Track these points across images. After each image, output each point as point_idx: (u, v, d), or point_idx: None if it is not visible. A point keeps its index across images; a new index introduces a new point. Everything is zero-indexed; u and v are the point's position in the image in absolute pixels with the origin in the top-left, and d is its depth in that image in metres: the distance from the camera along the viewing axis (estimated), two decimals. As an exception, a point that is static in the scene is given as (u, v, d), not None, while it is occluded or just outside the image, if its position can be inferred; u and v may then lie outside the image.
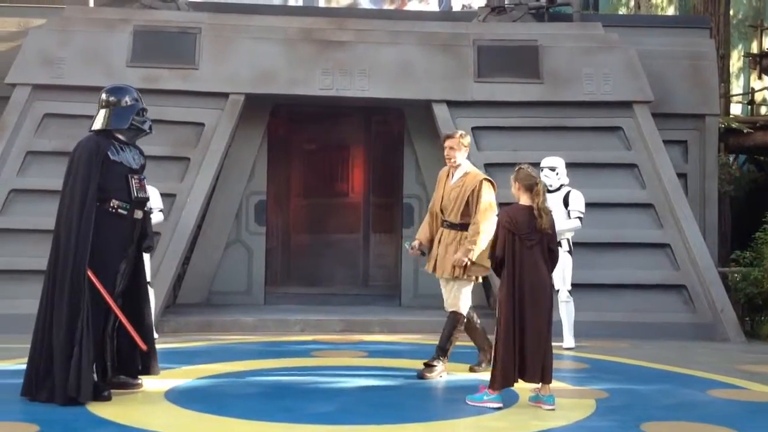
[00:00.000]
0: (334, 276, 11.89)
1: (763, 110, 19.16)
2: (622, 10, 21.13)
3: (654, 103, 10.83)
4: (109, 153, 5.71)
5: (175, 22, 10.69)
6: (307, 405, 5.46)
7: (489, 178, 6.71)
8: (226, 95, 10.44)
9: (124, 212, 5.70)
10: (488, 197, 6.52)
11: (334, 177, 12.11)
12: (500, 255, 5.42)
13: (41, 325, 5.52)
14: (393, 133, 12.04)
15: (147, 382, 6.15)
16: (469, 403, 5.36)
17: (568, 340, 8.34)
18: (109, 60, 10.34)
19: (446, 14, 15.02)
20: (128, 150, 5.89)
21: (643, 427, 4.89)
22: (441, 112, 10.61)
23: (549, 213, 5.43)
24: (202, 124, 10.39)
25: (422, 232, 6.84)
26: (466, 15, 13.26)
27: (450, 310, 6.70)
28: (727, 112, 15.26)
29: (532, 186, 5.41)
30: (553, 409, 5.29)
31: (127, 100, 5.91)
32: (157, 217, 8.87)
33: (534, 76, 10.77)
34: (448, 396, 5.49)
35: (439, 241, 6.67)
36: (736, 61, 19.91)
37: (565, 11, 13.24)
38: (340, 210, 12.20)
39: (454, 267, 6.48)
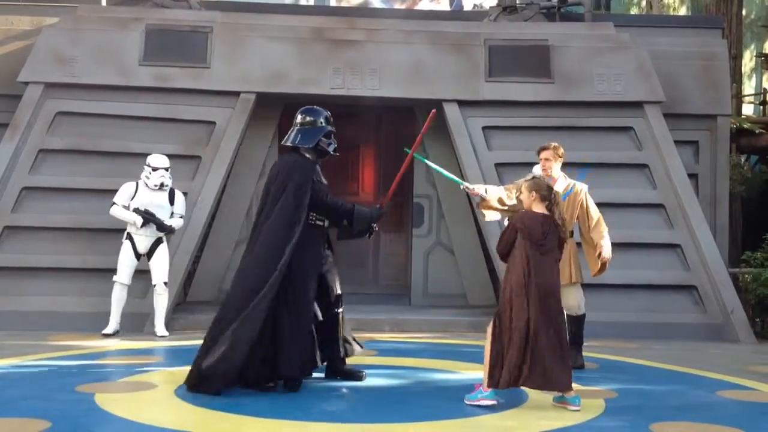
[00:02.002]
0: (344, 275, 11.87)
1: (775, 111, 19.07)
2: (634, 10, 21.08)
3: (665, 104, 10.80)
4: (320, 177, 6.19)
5: (187, 21, 10.72)
6: (317, 403, 5.47)
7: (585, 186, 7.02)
8: (237, 94, 10.48)
9: (321, 223, 6.14)
10: (593, 203, 6.93)
11: (345, 176, 12.13)
12: (504, 252, 5.46)
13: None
14: (404, 132, 12.04)
15: (157, 379, 6.19)
16: (467, 403, 5.38)
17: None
18: (122, 58, 10.39)
19: (457, 14, 15.03)
20: (317, 166, 6.26)
21: (653, 428, 4.88)
22: (452, 111, 10.61)
23: (565, 222, 5.47)
24: (214, 123, 10.43)
25: (496, 191, 6.77)
26: (478, 15, 13.25)
27: (577, 314, 6.93)
28: (738, 112, 15.21)
29: (548, 197, 5.41)
30: (578, 410, 5.28)
31: (318, 121, 6.21)
32: (177, 223, 9.02)
33: (545, 75, 10.76)
34: (457, 395, 5.49)
35: None
36: (748, 61, 19.84)
37: (576, 11, 13.22)
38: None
39: (571, 272, 6.79)
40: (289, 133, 6.28)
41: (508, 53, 10.79)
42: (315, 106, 6.42)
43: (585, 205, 6.86)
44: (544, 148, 6.92)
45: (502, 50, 10.81)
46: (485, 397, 5.32)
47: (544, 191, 5.41)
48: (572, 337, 6.91)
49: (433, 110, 6.58)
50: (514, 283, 5.29)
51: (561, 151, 6.88)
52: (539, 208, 5.41)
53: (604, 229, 6.83)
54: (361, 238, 6.36)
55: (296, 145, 6.18)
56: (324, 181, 6.24)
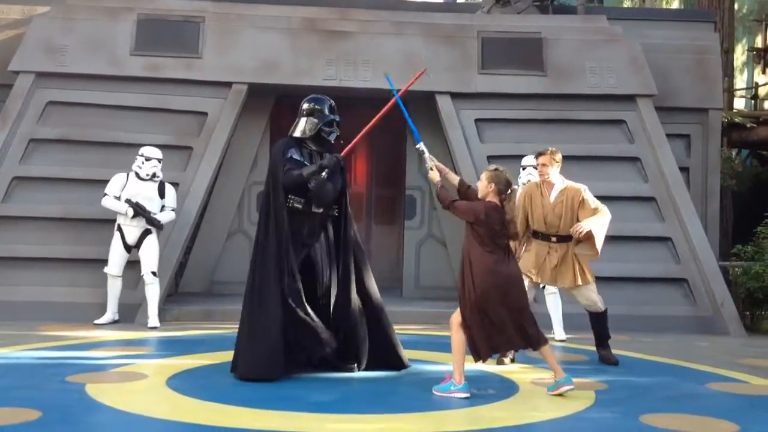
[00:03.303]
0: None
1: (766, 105, 19.15)
2: (627, 3, 21.10)
3: (657, 97, 10.83)
4: (293, 154, 6.17)
5: (179, 11, 10.68)
6: (307, 394, 5.47)
7: (585, 187, 6.93)
8: (229, 84, 10.45)
9: (299, 206, 6.07)
10: (593, 198, 6.82)
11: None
12: (448, 206, 5.55)
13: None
14: (396, 124, 12.02)
15: (148, 370, 6.19)
16: (436, 393, 5.41)
17: (559, 332, 8.38)
18: (113, 48, 10.35)
19: (451, 6, 15.00)
20: (315, 156, 6.26)
21: (643, 419, 4.90)
22: (445, 103, 10.61)
23: (514, 219, 5.53)
24: (205, 114, 10.40)
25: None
26: (471, 7, 13.25)
27: (596, 311, 6.94)
28: (730, 106, 15.26)
29: (504, 191, 5.44)
30: (572, 388, 5.42)
31: (320, 109, 6.26)
32: (168, 216, 9.01)
33: (538, 68, 10.76)
34: (433, 386, 5.51)
35: (548, 255, 6.83)
36: (740, 55, 19.87)
37: (569, 3, 13.22)
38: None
39: (575, 275, 6.78)
40: (296, 121, 6.32)
41: (501, 45, 10.79)
42: (320, 95, 6.46)
43: (583, 200, 6.76)
44: (540, 154, 6.90)
45: (495, 42, 10.81)
46: (459, 389, 5.37)
47: (502, 185, 5.44)
48: (597, 338, 7.02)
49: (424, 68, 6.61)
50: (479, 273, 5.33)
51: (558, 156, 6.86)
52: (493, 199, 5.44)
53: (599, 216, 6.66)
54: (325, 198, 6.13)
55: (297, 136, 6.21)
56: (307, 163, 6.17)
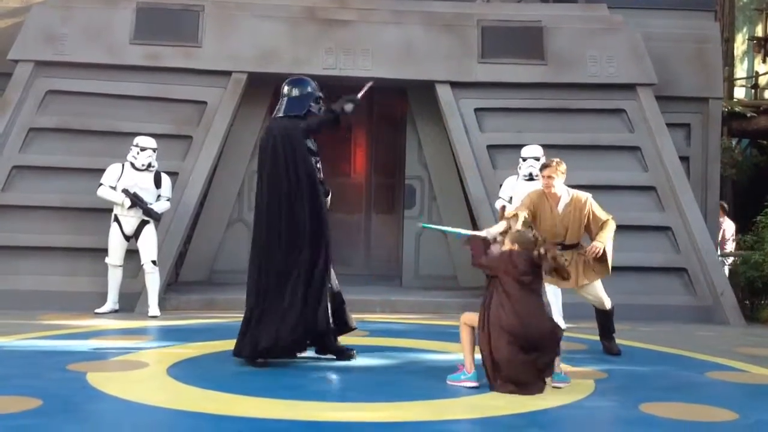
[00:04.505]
0: (336, 256, 11.88)
1: (766, 94, 19.11)
2: (627, -8, 20.97)
3: (657, 86, 10.80)
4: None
5: (178, 0, 10.64)
6: (308, 382, 5.49)
7: (589, 194, 6.95)
8: (228, 74, 10.42)
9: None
10: (599, 208, 6.84)
11: (336, 157, 12.10)
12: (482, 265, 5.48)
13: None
14: (396, 113, 12.03)
15: (149, 359, 6.20)
16: (450, 383, 5.41)
17: (559, 322, 8.36)
18: (112, 37, 10.32)
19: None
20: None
21: (642, 408, 4.91)
22: (444, 92, 10.59)
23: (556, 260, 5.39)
24: (205, 103, 10.38)
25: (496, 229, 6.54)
26: (471, -5, 13.17)
27: (602, 309, 6.97)
28: (730, 95, 15.25)
29: (532, 250, 5.33)
30: (568, 384, 5.38)
31: (304, 89, 6.34)
32: (164, 206, 9.01)
33: (538, 57, 10.73)
34: (447, 375, 5.51)
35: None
36: (740, 44, 19.82)
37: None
38: (342, 190, 12.16)
39: (577, 276, 6.74)
40: (278, 105, 6.36)
41: (501, 34, 10.76)
42: (301, 76, 6.55)
43: (592, 212, 6.78)
44: (545, 166, 6.87)
45: (495, 31, 10.77)
46: (468, 378, 5.37)
47: (528, 244, 5.36)
48: (601, 330, 7.05)
49: (371, 82, 6.72)
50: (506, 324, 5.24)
51: (563, 167, 6.83)
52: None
53: (609, 230, 6.70)
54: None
55: (287, 115, 6.24)
56: (314, 147, 6.27)
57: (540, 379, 5.30)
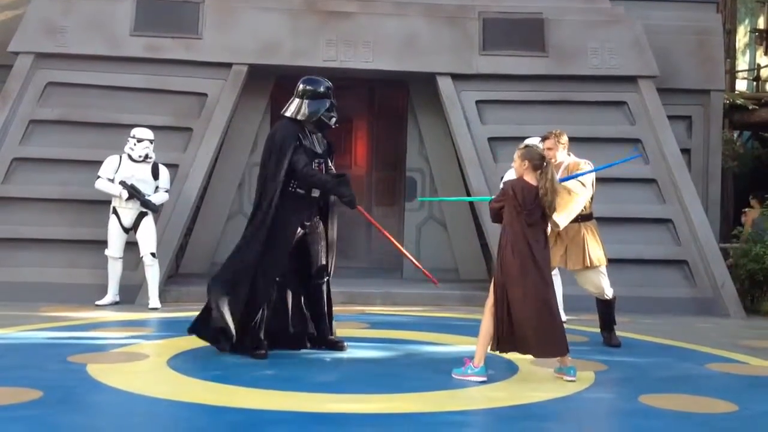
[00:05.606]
0: (337, 248, 11.87)
1: (768, 87, 19.05)
2: (629, -16, 20.91)
3: (659, 78, 10.78)
4: (302, 140, 6.14)
5: (179, -9, 10.61)
6: (309, 374, 5.50)
7: (587, 161, 6.81)
8: (229, 65, 10.40)
9: (301, 191, 6.12)
10: (586, 179, 6.64)
11: (338, 149, 12.03)
12: (494, 209, 5.44)
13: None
14: (397, 105, 12.01)
15: (149, 350, 6.21)
16: (455, 377, 5.38)
17: (560, 313, 8.37)
18: (112, 29, 10.30)
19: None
20: (314, 136, 6.27)
21: (642, 399, 4.92)
22: (445, 85, 10.57)
23: (555, 193, 5.37)
24: (205, 95, 10.36)
25: None
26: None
27: (602, 298, 6.90)
28: (732, 88, 15.20)
29: (540, 165, 5.35)
30: (573, 380, 5.33)
31: (319, 92, 6.20)
32: (162, 197, 9.02)
33: (539, 49, 10.71)
34: (448, 367, 5.51)
35: (559, 237, 6.70)
36: (742, 36, 19.76)
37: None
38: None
39: (584, 257, 6.68)
40: (289, 102, 6.25)
41: (502, 26, 10.73)
42: (317, 77, 6.40)
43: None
44: (545, 138, 6.85)
45: (496, 23, 10.74)
46: (475, 372, 5.32)
47: (537, 160, 5.37)
48: (602, 321, 7.01)
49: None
50: (509, 254, 5.27)
51: (564, 138, 6.80)
52: (531, 178, 5.38)
53: (566, 207, 6.29)
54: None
55: (296, 118, 6.16)
56: (319, 150, 6.23)
57: (543, 343, 5.27)
